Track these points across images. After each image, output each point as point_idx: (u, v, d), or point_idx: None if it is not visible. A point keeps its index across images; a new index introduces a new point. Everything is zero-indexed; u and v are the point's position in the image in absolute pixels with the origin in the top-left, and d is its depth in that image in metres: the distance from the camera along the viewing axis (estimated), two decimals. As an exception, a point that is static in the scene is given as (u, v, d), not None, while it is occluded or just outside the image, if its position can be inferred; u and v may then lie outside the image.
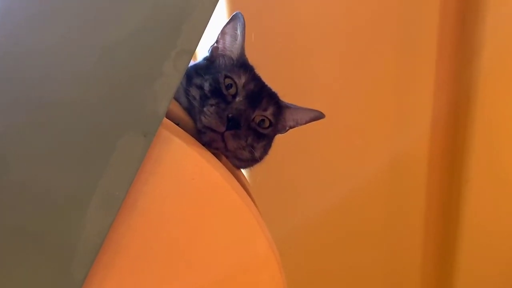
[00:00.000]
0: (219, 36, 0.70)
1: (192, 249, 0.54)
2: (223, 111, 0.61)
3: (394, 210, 1.46)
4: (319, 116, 0.74)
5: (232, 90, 0.65)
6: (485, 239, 1.44)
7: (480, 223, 1.43)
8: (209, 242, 0.54)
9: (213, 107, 0.60)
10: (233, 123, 0.60)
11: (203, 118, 0.59)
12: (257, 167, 0.70)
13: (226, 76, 0.66)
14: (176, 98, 0.62)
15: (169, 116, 0.52)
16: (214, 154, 0.57)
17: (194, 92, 0.63)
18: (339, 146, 1.32)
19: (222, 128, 0.59)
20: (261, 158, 0.68)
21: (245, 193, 0.56)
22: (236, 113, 0.61)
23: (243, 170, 0.70)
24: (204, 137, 0.59)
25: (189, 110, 0.63)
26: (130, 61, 0.44)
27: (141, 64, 0.45)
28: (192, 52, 0.46)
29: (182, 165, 0.51)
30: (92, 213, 0.49)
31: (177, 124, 0.54)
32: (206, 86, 0.64)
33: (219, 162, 0.54)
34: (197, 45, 0.46)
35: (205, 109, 0.60)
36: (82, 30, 0.43)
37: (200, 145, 0.53)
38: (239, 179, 0.58)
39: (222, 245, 0.55)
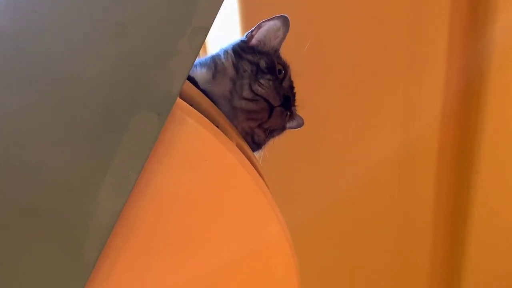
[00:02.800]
0: (257, 28, 0.71)
1: (205, 231, 0.54)
2: (280, 88, 0.62)
3: (403, 202, 1.46)
4: (301, 124, 0.77)
5: (281, 76, 0.67)
6: (495, 232, 1.43)
7: (490, 215, 1.42)
8: (222, 224, 0.54)
9: (271, 82, 0.61)
10: (286, 102, 0.62)
11: (258, 87, 0.60)
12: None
13: (278, 62, 0.68)
14: (222, 70, 0.63)
15: (183, 97, 0.52)
16: (228, 136, 0.56)
17: (247, 66, 0.64)
18: (349, 137, 1.32)
19: (277, 102, 0.61)
20: (262, 147, 0.69)
21: (258, 176, 0.55)
22: (288, 94, 0.62)
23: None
24: (253, 105, 0.59)
25: (234, 80, 0.64)
26: (144, 38, 0.44)
27: (156, 41, 0.44)
28: (208, 30, 0.45)
29: (196, 146, 0.51)
30: (105, 194, 0.48)
31: (191, 105, 0.53)
32: (262, 63, 0.66)
33: (233, 144, 0.54)
34: (212, 22, 0.45)
35: (262, 80, 0.60)
36: (96, 5, 0.43)
37: (214, 126, 0.53)
38: (253, 162, 0.58)
39: (234, 227, 0.55)
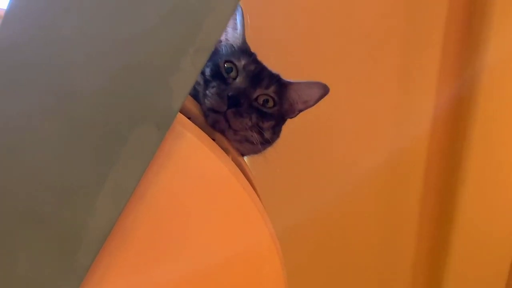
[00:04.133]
0: None
1: (196, 238, 0.55)
2: (223, 91, 0.62)
3: (389, 208, 1.48)
4: (323, 88, 0.75)
5: (233, 74, 0.67)
6: (478, 241, 1.46)
7: (474, 225, 1.45)
8: (213, 234, 0.55)
9: (214, 88, 0.62)
10: (233, 101, 0.62)
11: (206, 100, 0.61)
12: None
13: (226, 61, 0.67)
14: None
15: (181, 110, 0.53)
16: (224, 149, 0.58)
17: (198, 78, 0.64)
18: (338, 143, 1.33)
19: (223, 107, 0.61)
20: (272, 140, 0.69)
21: (251, 188, 0.56)
22: (236, 91, 0.63)
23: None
24: (208, 119, 0.60)
25: (195, 96, 0.65)
26: (148, 55, 0.45)
27: (159, 58, 0.45)
28: (210, 50, 0.46)
29: (193, 159, 0.52)
30: (102, 202, 0.49)
31: (189, 118, 0.54)
32: (207, 71, 0.66)
33: (228, 157, 0.55)
34: (215, 43, 0.46)
35: (207, 91, 0.61)
36: (103, 22, 0.44)
37: (210, 139, 0.54)
38: (246, 173, 0.59)
39: (225, 237, 0.56)
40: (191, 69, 0.46)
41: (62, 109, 0.45)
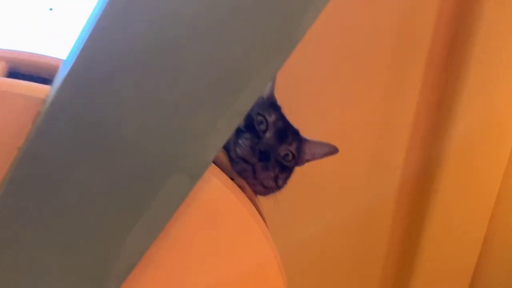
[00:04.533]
0: None
1: (208, 268, 0.61)
2: (255, 145, 0.67)
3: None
4: (333, 150, 0.81)
5: (263, 126, 0.72)
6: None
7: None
8: (226, 262, 0.62)
9: (248, 140, 0.67)
10: (263, 156, 0.67)
11: (238, 149, 0.66)
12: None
13: (258, 114, 0.72)
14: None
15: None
16: (240, 187, 0.63)
17: None
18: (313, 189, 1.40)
19: (254, 160, 0.66)
20: (280, 187, 0.75)
21: (263, 223, 0.63)
22: (267, 147, 0.68)
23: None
24: (237, 166, 0.66)
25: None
26: (190, 116, 0.50)
27: (201, 120, 0.50)
28: (244, 114, 0.51)
29: (216, 201, 0.58)
30: (134, 237, 0.55)
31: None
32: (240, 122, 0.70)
33: (245, 196, 0.61)
34: (250, 108, 0.51)
35: (240, 141, 0.66)
36: (152, 85, 0.48)
37: (232, 182, 0.60)
38: (258, 209, 0.65)
39: (235, 263, 0.63)
40: (226, 129, 0.51)
41: (113, 157, 0.50)
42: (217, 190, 0.57)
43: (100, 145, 0.49)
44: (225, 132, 0.52)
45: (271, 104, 0.77)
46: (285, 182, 0.77)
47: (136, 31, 0.46)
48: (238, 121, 0.52)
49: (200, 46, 0.47)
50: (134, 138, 0.50)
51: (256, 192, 0.71)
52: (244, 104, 0.51)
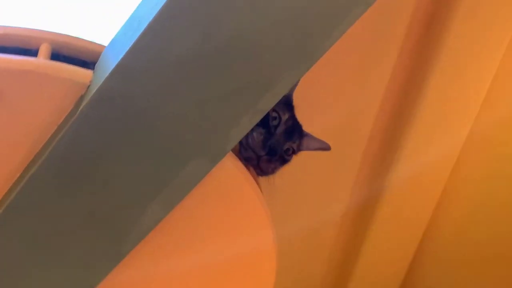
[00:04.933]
0: None
1: (215, 236, 0.70)
2: (266, 140, 0.74)
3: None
4: (326, 147, 0.89)
5: (275, 122, 0.78)
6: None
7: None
8: (229, 234, 0.70)
9: (261, 135, 0.73)
10: (271, 151, 0.74)
11: (249, 140, 0.72)
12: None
13: (273, 110, 0.77)
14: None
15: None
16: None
17: None
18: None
19: (262, 153, 0.73)
20: (274, 173, 0.82)
21: (265, 204, 0.71)
22: (276, 144, 0.74)
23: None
24: (245, 153, 0.72)
25: None
26: (220, 113, 0.56)
27: (227, 115, 0.56)
28: (265, 112, 0.58)
29: (227, 181, 0.65)
30: (154, 207, 0.62)
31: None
32: None
33: (251, 177, 0.69)
34: (271, 108, 0.58)
35: (254, 134, 0.73)
36: (184, 85, 0.54)
37: (242, 165, 0.67)
38: (259, 186, 0.73)
39: (236, 235, 0.71)
40: (247, 124, 0.58)
41: (148, 140, 0.56)
42: (228, 170, 0.65)
43: (139, 130, 0.55)
44: (246, 127, 0.58)
45: (287, 103, 0.82)
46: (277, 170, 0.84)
47: (186, 36, 0.51)
48: (259, 118, 0.58)
49: (237, 55, 0.53)
50: (168, 126, 0.56)
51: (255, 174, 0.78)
52: (266, 105, 0.57)
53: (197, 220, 0.66)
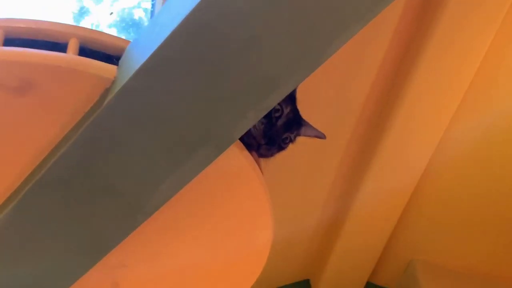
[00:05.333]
0: None
1: (216, 221, 0.78)
2: (268, 130, 0.81)
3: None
4: (321, 136, 0.95)
5: (277, 114, 0.84)
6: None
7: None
8: (230, 214, 0.79)
9: (263, 125, 0.80)
10: (271, 140, 0.81)
11: (252, 129, 0.79)
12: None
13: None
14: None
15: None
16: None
17: None
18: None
19: (262, 141, 0.80)
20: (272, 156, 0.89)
21: (267, 189, 0.79)
22: (275, 134, 0.81)
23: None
24: (247, 139, 0.80)
25: None
26: (229, 107, 0.63)
27: (235, 110, 0.63)
28: (270, 108, 0.65)
29: (232, 164, 0.73)
30: (166, 186, 0.70)
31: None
32: None
33: (255, 163, 0.76)
34: (275, 104, 0.65)
35: (256, 123, 0.79)
36: (211, 83, 0.61)
37: (246, 151, 0.74)
38: (260, 168, 0.81)
39: (236, 222, 0.80)
40: (253, 118, 0.65)
41: (165, 128, 0.63)
42: (234, 156, 0.72)
43: (157, 121, 0.62)
44: (252, 120, 0.66)
45: (290, 96, 0.88)
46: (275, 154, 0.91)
47: (202, 48, 0.58)
48: (264, 113, 0.65)
49: (247, 59, 0.60)
50: (182, 119, 0.63)
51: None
52: (271, 102, 0.64)
53: (202, 199, 0.74)
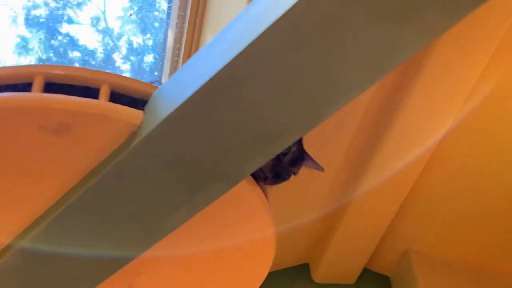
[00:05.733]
0: None
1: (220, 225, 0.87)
2: (275, 165, 0.89)
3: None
4: (320, 168, 1.02)
5: (285, 151, 0.91)
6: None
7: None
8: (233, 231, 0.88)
9: (270, 160, 0.88)
10: (277, 175, 0.89)
11: None
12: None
13: None
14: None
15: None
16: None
17: None
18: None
19: (269, 175, 0.88)
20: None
21: (271, 213, 0.88)
22: (282, 170, 0.90)
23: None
24: (255, 172, 0.88)
25: None
26: (241, 155, 0.71)
27: (246, 155, 0.72)
28: (275, 154, 0.73)
29: (241, 196, 0.82)
30: (181, 213, 0.79)
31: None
32: None
33: (261, 191, 0.85)
34: (282, 150, 0.73)
35: None
36: (225, 131, 0.69)
37: (254, 182, 0.83)
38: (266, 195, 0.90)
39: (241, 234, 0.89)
40: (262, 161, 0.73)
41: (181, 166, 0.72)
42: (244, 189, 0.81)
43: (176, 163, 0.71)
44: (261, 162, 0.74)
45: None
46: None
47: (219, 108, 0.65)
48: (272, 157, 0.74)
49: (265, 111, 0.67)
50: (198, 162, 0.71)
51: None
52: (278, 150, 0.72)
53: (210, 221, 0.84)
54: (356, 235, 2.14)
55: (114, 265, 0.83)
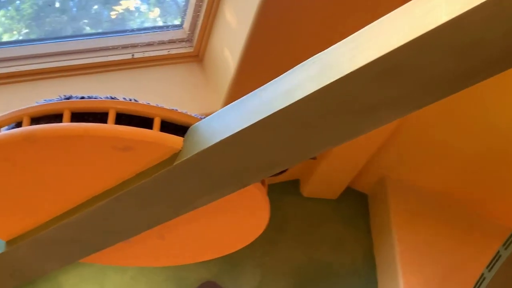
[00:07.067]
0: None
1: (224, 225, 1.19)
2: None
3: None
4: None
5: None
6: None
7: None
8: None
9: None
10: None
11: None
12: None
13: None
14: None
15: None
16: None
17: None
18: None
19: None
20: None
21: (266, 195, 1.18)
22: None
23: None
24: None
25: None
26: (250, 173, 1.00)
27: (254, 173, 1.01)
28: (277, 172, 1.02)
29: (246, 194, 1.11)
30: (201, 201, 1.09)
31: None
32: None
33: (263, 189, 1.14)
34: (293, 166, 1.02)
35: None
36: (236, 162, 0.97)
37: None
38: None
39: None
40: (265, 176, 1.03)
41: (207, 179, 1.01)
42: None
43: (206, 177, 1.00)
44: (264, 176, 1.03)
45: None
46: None
47: (239, 148, 0.93)
48: (272, 173, 1.02)
49: (252, 150, 0.95)
50: (222, 174, 1.00)
51: None
52: (277, 171, 1.01)
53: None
54: (343, 158, 2.45)
55: (150, 226, 1.16)
